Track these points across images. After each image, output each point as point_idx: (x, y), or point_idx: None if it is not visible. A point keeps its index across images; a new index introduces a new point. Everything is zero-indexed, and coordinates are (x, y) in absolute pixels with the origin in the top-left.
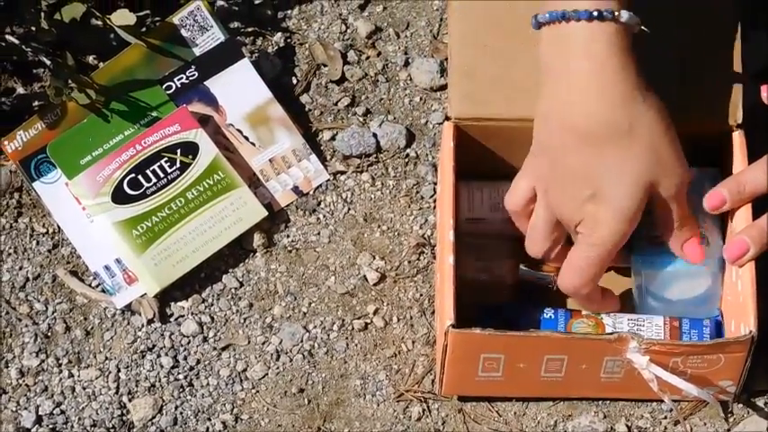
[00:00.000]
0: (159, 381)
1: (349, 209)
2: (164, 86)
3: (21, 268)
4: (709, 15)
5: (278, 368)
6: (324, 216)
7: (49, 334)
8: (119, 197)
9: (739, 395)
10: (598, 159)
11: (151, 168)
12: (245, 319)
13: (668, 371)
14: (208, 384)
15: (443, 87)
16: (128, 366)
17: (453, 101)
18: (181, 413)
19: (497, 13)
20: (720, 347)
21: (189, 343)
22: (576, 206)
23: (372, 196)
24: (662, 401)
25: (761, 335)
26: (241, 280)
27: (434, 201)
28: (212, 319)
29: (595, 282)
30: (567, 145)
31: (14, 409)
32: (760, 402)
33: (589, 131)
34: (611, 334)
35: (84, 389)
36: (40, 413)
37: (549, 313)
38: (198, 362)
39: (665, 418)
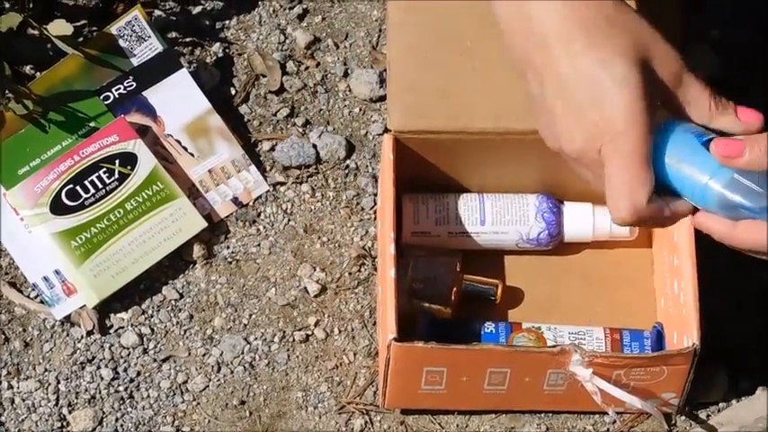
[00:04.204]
0: (99, 393)
1: (289, 220)
2: (102, 97)
3: None
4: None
5: (219, 380)
6: (264, 227)
7: None
8: (57, 208)
9: (682, 407)
10: None
11: (89, 179)
12: (185, 331)
13: (611, 383)
14: (148, 396)
15: (383, 98)
16: (67, 378)
17: (393, 113)
18: (121, 425)
19: (437, 26)
20: (663, 360)
21: (129, 355)
22: None
23: (312, 207)
24: (605, 414)
25: (703, 347)
26: (181, 291)
27: (375, 212)
28: (152, 330)
29: None
30: None
31: None
32: (703, 415)
33: None
34: (554, 347)
35: (23, 400)
36: None
37: (489, 327)
38: (138, 374)
39: (608, 430)
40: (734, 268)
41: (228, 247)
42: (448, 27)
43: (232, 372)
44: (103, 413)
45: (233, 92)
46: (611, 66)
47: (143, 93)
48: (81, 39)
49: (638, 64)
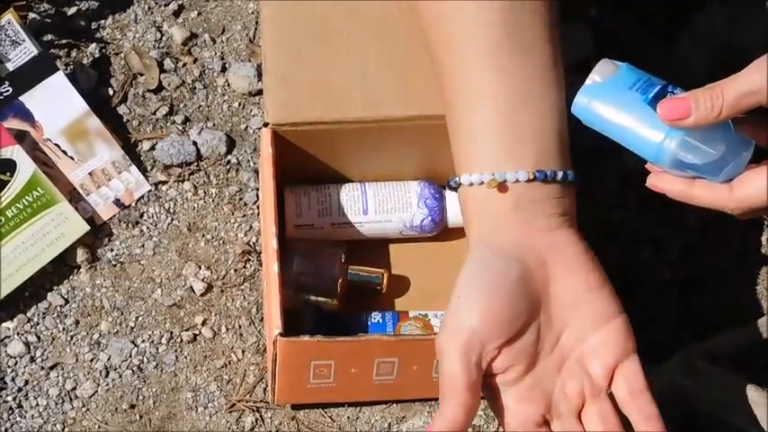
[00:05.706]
0: None
1: (172, 219)
2: None
3: None
4: None
5: (107, 385)
6: (147, 228)
7: None
8: None
9: None
10: None
11: None
12: (71, 337)
13: None
14: (37, 405)
15: (262, 92)
16: None
17: (270, 107)
18: None
19: (310, 17)
20: None
21: (16, 364)
22: None
23: (195, 205)
24: None
25: None
26: (66, 297)
27: (258, 207)
28: (39, 338)
29: None
30: None
31: None
32: None
33: None
34: None
35: None
36: None
37: (376, 317)
38: (26, 382)
39: None
40: (623, 256)
41: (112, 250)
42: (321, 18)
43: (120, 376)
44: None
45: (111, 92)
46: None
47: (20, 98)
48: None
49: None
